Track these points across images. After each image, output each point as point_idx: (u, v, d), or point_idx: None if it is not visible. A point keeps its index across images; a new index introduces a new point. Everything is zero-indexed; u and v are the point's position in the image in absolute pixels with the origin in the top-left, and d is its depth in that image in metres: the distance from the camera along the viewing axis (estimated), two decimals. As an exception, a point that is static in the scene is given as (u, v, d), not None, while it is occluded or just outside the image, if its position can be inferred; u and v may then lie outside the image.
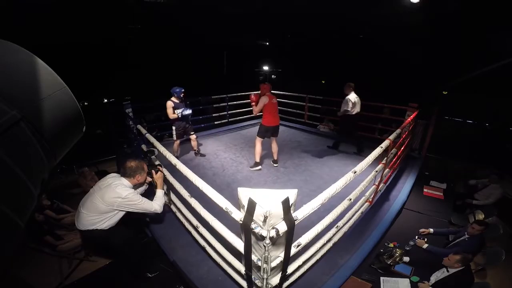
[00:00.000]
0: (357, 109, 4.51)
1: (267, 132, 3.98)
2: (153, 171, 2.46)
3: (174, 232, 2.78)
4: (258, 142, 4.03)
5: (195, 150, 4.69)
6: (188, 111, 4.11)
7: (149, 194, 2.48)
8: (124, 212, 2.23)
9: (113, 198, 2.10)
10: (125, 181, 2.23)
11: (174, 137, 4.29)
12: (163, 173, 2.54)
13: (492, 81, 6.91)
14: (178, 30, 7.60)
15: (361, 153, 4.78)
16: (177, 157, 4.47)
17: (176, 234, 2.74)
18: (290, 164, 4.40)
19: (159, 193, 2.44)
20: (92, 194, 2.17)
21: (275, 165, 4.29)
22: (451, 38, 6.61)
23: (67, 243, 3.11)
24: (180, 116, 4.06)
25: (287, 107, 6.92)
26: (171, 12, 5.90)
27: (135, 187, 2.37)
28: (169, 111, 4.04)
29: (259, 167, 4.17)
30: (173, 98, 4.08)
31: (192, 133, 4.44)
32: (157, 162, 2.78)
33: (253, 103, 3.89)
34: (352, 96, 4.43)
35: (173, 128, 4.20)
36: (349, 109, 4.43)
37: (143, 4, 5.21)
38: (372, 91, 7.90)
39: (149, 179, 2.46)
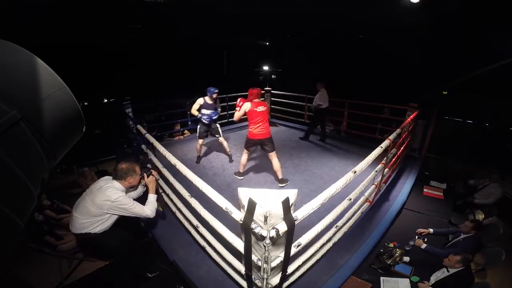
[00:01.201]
0: (326, 104, 5.25)
1: (253, 145, 3.60)
2: (144, 174, 2.38)
3: (174, 232, 2.78)
4: (244, 152, 3.70)
5: (227, 152, 4.53)
6: (208, 114, 4.05)
7: (147, 197, 2.42)
8: (117, 216, 2.18)
9: (103, 201, 2.04)
10: (116, 184, 2.16)
11: (198, 136, 4.30)
12: (155, 177, 2.46)
13: (492, 81, 6.91)
14: (178, 30, 7.61)
15: (325, 142, 5.50)
16: (199, 157, 4.50)
17: (176, 234, 2.74)
18: (289, 164, 4.40)
19: (151, 197, 2.36)
20: (84, 197, 2.13)
21: (280, 185, 3.64)
22: (451, 38, 6.62)
23: (67, 243, 3.11)
24: (198, 116, 4.06)
25: (286, 107, 6.91)
26: (171, 12, 5.91)
27: (128, 190, 2.32)
28: (195, 106, 4.06)
29: (241, 177, 3.88)
30: (206, 97, 4.07)
31: (217, 135, 4.33)
32: (157, 163, 2.77)
33: (237, 108, 3.47)
34: (324, 93, 5.19)
35: (198, 126, 4.26)
36: (322, 103, 5.17)
37: (143, 4, 5.23)
38: (372, 91, 7.92)
39: (144, 181, 2.41)
